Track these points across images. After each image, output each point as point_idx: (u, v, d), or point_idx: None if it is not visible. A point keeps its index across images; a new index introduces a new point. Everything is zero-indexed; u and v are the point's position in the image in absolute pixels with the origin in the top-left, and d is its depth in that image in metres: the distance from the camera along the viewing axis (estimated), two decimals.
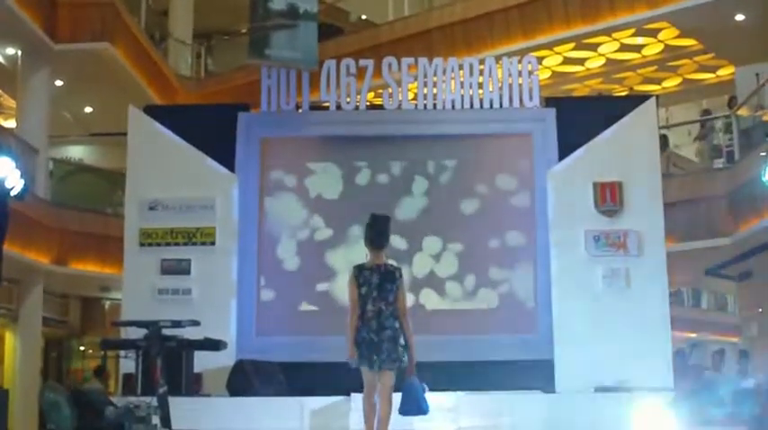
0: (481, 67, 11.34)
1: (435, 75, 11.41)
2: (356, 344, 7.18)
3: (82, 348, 19.30)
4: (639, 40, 17.47)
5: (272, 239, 11.31)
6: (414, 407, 7.44)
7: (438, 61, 11.42)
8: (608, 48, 17.80)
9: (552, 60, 18.19)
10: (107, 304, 18.96)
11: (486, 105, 11.26)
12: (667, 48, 17.86)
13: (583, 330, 10.26)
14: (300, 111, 11.56)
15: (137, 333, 8.31)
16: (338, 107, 11.40)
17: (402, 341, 7.21)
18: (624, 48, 17.82)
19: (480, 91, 11.33)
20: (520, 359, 10.32)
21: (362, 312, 7.20)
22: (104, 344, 10.58)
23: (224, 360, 9.99)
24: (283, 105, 11.37)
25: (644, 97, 11.84)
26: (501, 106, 11.23)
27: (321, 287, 11.16)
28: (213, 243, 10.95)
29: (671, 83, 20.02)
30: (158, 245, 10.96)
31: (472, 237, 11.19)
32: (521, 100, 11.21)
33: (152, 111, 11.84)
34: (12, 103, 17.80)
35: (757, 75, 15.72)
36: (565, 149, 10.96)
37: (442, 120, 11.36)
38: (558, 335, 10.40)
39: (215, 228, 10.97)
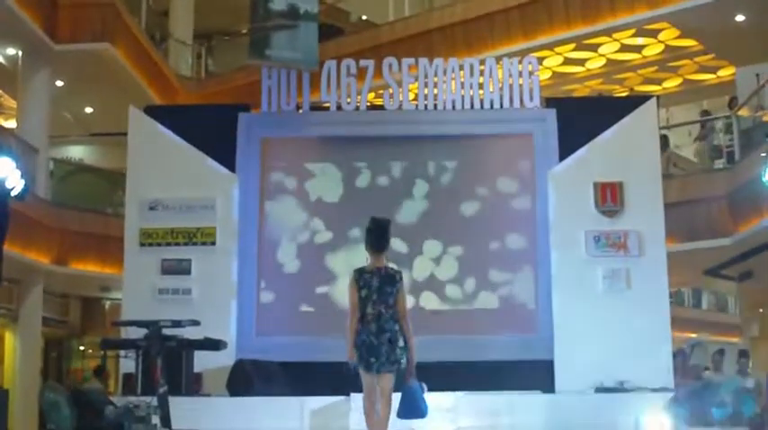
0: (482, 67, 11.35)
1: (436, 75, 11.41)
2: (356, 346, 7.19)
3: (82, 348, 19.30)
4: (640, 41, 17.46)
5: (273, 243, 11.31)
6: (412, 410, 7.45)
7: (438, 62, 11.43)
8: (608, 48, 17.79)
9: (553, 61, 18.19)
10: (107, 304, 18.96)
11: (487, 106, 11.26)
12: (668, 48, 17.86)
13: (583, 330, 10.26)
14: (301, 111, 11.57)
15: (137, 333, 8.32)
16: (339, 107, 11.40)
17: (401, 343, 7.20)
18: (624, 48, 17.82)
19: (481, 91, 11.33)
20: (520, 359, 10.32)
21: (362, 315, 7.20)
22: (104, 344, 10.58)
23: (224, 360, 10.01)
24: (284, 106, 11.37)
25: (644, 98, 11.85)
26: (501, 107, 11.23)
27: (321, 290, 11.16)
28: (213, 243, 10.95)
29: (671, 83, 20.02)
30: (159, 245, 10.96)
31: (472, 239, 11.19)
32: (521, 100, 11.21)
33: (152, 111, 11.84)
34: (12, 103, 17.81)
35: (758, 75, 15.72)
36: (565, 150, 10.96)
37: (442, 121, 11.36)
38: (558, 336, 10.40)
39: (215, 229, 10.98)
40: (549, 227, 10.78)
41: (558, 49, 17.53)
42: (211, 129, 11.27)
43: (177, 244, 10.97)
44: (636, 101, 11.63)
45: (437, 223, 11.25)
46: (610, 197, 10.73)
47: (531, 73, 11.31)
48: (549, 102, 11.80)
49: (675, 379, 10.41)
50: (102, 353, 16.71)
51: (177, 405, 7.95)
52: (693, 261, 15.44)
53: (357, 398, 8.19)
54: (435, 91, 11.39)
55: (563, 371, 10.23)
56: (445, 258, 11.19)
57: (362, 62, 11.44)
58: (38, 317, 15.88)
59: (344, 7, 25.48)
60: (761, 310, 16.35)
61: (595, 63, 18.62)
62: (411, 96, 11.47)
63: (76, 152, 20.49)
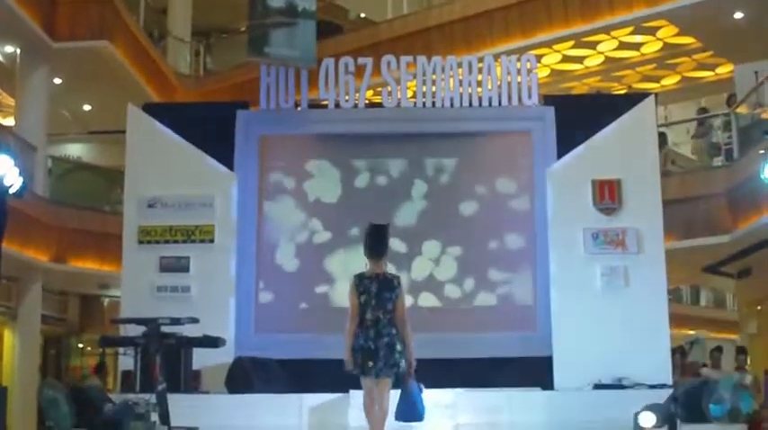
0: (480, 65, 11.35)
1: (434, 73, 11.40)
2: (354, 351, 7.27)
3: (81, 345, 19.33)
4: (638, 39, 17.48)
5: (271, 243, 11.30)
6: (410, 413, 7.60)
7: (437, 59, 11.43)
8: (607, 46, 17.81)
9: (551, 58, 18.20)
10: (106, 301, 18.96)
11: (485, 103, 11.25)
12: (666, 46, 17.88)
13: (581, 328, 10.26)
14: (299, 109, 11.56)
15: (136, 330, 8.33)
16: (337, 105, 11.39)
17: (399, 347, 7.29)
18: (623, 46, 17.84)
19: (479, 89, 11.33)
20: (519, 356, 10.33)
21: (361, 320, 7.30)
22: (103, 342, 10.61)
23: (223, 357, 10.01)
24: (282, 103, 11.37)
25: (643, 95, 11.84)
26: (500, 104, 11.22)
27: (320, 290, 11.16)
28: (212, 241, 10.94)
29: (670, 81, 20.04)
30: (157, 242, 10.95)
31: (471, 239, 11.19)
32: (520, 98, 11.21)
33: (151, 109, 11.84)
34: (10, 101, 17.80)
35: (756, 73, 15.73)
36: (564, 147, 10.95)
37: (440, 119, 11.36)
38: (556, 333, 10.40)
39: (214, 226, 10.96)
40: (548, 224, 10.77)
41: (556, 47, 17.55)
42: (210, 127, 11.26)
43: (176, 241, 10.95)
44: (634, 98, 11.62)
45: (436, 223, 11.24)
46: (608, 194, 10.73)
47: (529, 70, 11.31)
48: (547, 99, 11.79)
49: (674, 376, 10.43)
50: (101, 350, 16.73)
51: (176, 402, 7.96)
52: (692, 258, 15.46)
53: (356, 395, 8.22)
54: (434, 88, 11.38)
55: (562, 367, 10.22)
56: (444, 258, 11.19)
57: (361, 60, 11.43)
58: (37, 314, 15.90)
59: (343, 5, 25.51)
60: (759, 307, 16.37)
61: (594, 61, 18.63)
62: (409, 94, 11.47)
63: (75, 150, 20.49)
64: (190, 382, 9.77)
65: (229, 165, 11.19)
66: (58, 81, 16.68)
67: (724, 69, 18.62)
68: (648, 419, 7.84)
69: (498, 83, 11.27)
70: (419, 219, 11.26)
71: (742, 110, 15.58)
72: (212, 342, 8.91)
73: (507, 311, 11.01)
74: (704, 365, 14.02)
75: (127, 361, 9.91)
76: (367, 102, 11.98)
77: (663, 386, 9.56)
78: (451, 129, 11.39)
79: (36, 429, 12.47)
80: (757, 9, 14.91)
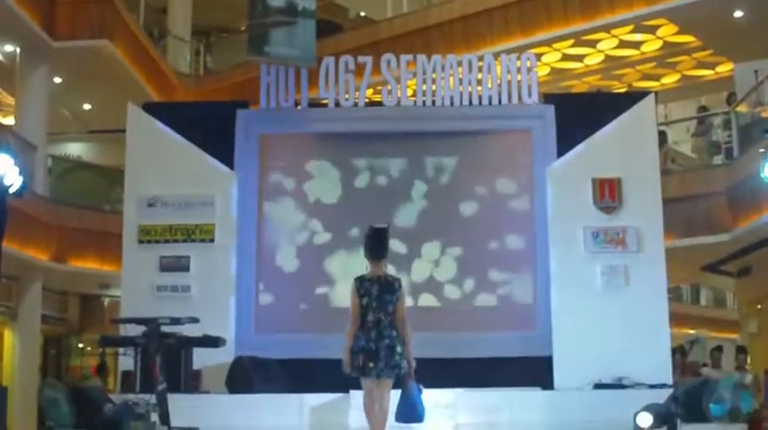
0: (480, 63, 11.34)
1: (434, 71, 11.40)
2: (354, 352, 7.31)
3: (81, 345, 19.32)
4: (638, 37, 17.48)
5: (271, 244, 11.30)
6: (410, 414, 7.69)
7: (437, 58, 11.42)
8: (607, 44, 17.81)
9: (551, 57, 18.20)
10: (106, 301, 18.96)
11: (485, 102, 11.24)
12: (666, 44, 17.87)
13: (581, 327, 10.25)
14: (299, 108, 11.56)
15: (136, 330, 8.33)
16: (337, 104, 11.38)
17: (399, 349, 7.34)
18: (623, 44, 17.83)
19: (479, 88, 11.32)
20: (518, 356, 10.32)
21: (363, 322, 7.36)
22: (103, 341, 10.61)
23: (223, 357, 10.01)
24: (282, 102, 11.36)
25: (643, 94, 11.84)
26: (500, 103, 11.21)
27: (320, 290, 11.16)
28: (212, 240, 10.94)
29: (670, 79, 20.03)
30: (157, 242, 10.94)
31: (471, 239, 11.18)
32: (519, 97, 11.20)
33: (151, 108, 11.83)
34: (10, 100, 17.80)
35: (756, 71, 15.72)
36: (564, 146, 10.95)
37: (440, 117, 11.35)
38: (556, 332, 10.39)
39: (214, 226, 10.96)
40: (548, 223, 10.77)
41: (556, 46, 17.54)
42: (210, 126, 11.25)
43: (176, 241, 10.95)
44: (634, 97, 11.62)
45: (436, 224, 11.23)
46: (608, 193, 10.72)
47: (529, 69, 11.30)
48: (547, 98, 11.78)
49: (674, 375, 10.43)
50: (101, 350, 16.73)
51: (176, 402, 7.97)
52: (692, 257, 15.46)
53: (356, 395, 8.22)
54: (434, 87, 11.37)
55: (562, 367, 10.22)
56: (444, 259, 11.17)
57: (361, 59, 11.43)
58: (37, 314, 15.89)
59: (343, 4, 25.48)
60: (759, 306, 16.36)
61: (594, 59, 18.63)
62: (409, 93, 11.47)
63: (75, 149, 20.48)
64: (190, 382, 9.77)
65: (229, 165, 11.19)
66: (57, 80, 16.67)
67: (724, 68, 18.62)
68: (645, 419, 7.85)
69: (498, 81, 11.26)
70: (419, 219, 11.25)
71: (742, 108, 15.57)
72: (212, 342, 8.92)
73: (507, 311, 11.00)
74: (704, 365, 14.02)
75: (127, 361, 9.90)
76: (367, 100, 11.99)
77: (663, 385, 9.55)
78: (451, 127, 11.38)
79: (36, 429, 12.47)
80: (757, 7, 14.90)
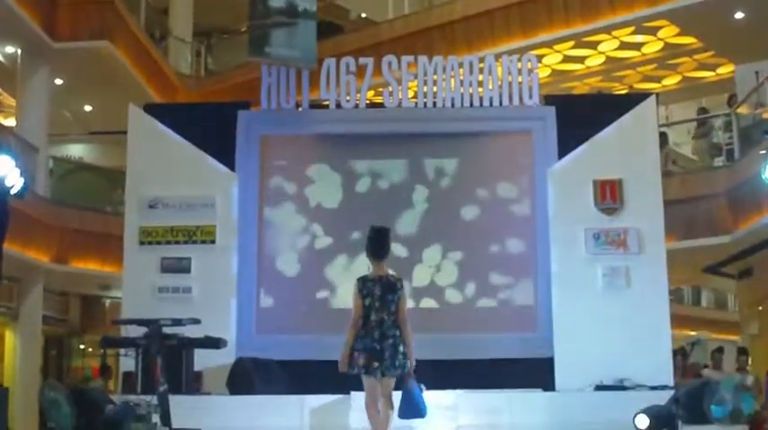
0: (481, 65, 11.33)
1: (435, 73, 11.38)
2: (358, 351, 7.33)
3: (82, 346, 19.34)
4: (639, 38, 17.47)
5: (272, 249, 11.29)
6: (413, 410, 7.67)
7: (438, 59, 11.41)
8: (608, 46, 17.80)
9: (552, 58, 18.20)
10: (107, 302, 18.98)
11: (486, 103, 11.23)
12: (667, 46, 17.87)
13: (583, 328, 10.25)
14: (300, 109, 11.56)
15: (137, 331, 8.33)
16: (338, 105, 11.38)
17: (402, 349, 7.39)
18: (624, 46, 17.83)
19: (480, 89, 11.31)
20: (520, 357, 10.32)
21: (365, 322, 7.39)
22: (104, 343, 10.59)
23: (224, 358, 10.00)
24: (283, 103, 11.36)
25: (644, 95, 11.83)
26: (501, 104, 11.20)
27: (321, 295, 11.15)
28: (213, 241, 10.94)
29: (671, 81, 20.03)
30: (158, 243, 10.94)
31: (472, 243, 11.16)
32: (520, 98, 11.19)
33: (152, 109, 11.83)
34: (12, 101, 17.82)
35: (757, 73, 15.74)
36: (565, 147, 10.95)
37: (441, 119, 11.34)
38: (557, 334, 10.40)
39: (215, 227, 10.96)
40: (549, 225, 10.77)
41: (557, 47, 17.54)
42: (211, 127, 11.26)
43: (177, 242, 10.95)
44: (635, 98, 11.62)
45: (437, 228, 11.21)
46: (609, 195, 10.72)
47: (530, 70, 11.29)
48: (548, 99, 11.78)
49: (675, 377, 10.42)
50: (103, 351, 16.75)
51: (177, 403, 7.96)
52: (693, 258, 15.47)
53: (357, 397, 8.22)
54: (435, 89, 11.38)
55: (563, 368, 10.22)
56: (445, 263, 11.16)
57: (362, 60, 11.43)
58: (38, 315, 15.90)
59: (344, 5, 25.51)
60: (760, 308, 16.36)
61: (595, 60, 18.63)
62: (410, 94, 11.46)
63: (76, 150, 20.50)
64: (191, 383, 9.76)
65: (230, 166, 11.18)
66: (59, 81, 16.69)
67: (725, 69, 18.62)
68: (643, 421, 7.87)
69: (499, 83, 11.25)
70: (420, 223, 11.24)
71: (743, 110, 15.58)
72: (214, 343, 8.90)
73: (508, 312, 10.99)
74: (705, 366, 14.03)
75: (128, 362, 9.91)
76: (368, 102, 11.99)
77: (664, 387, 9.54)
78: (452, 129, 11.38)
79: None
80: (758, 9, 14.90)
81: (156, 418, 7.70)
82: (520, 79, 11.23)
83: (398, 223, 11.00)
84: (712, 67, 19.05)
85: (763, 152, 12.20)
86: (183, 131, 11.13)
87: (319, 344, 10.11)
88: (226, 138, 11.23)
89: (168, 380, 7.83)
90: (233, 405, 9.45)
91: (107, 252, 15.48)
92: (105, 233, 15.46)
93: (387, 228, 7.81)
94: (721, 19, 15.33)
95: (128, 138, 11.41)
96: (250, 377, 9.89)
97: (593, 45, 17.69)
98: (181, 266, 10.87)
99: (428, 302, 11.04)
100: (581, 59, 18.55)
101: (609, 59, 18.58)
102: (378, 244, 7.58)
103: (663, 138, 14.32)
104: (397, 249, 10.37)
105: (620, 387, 9.78)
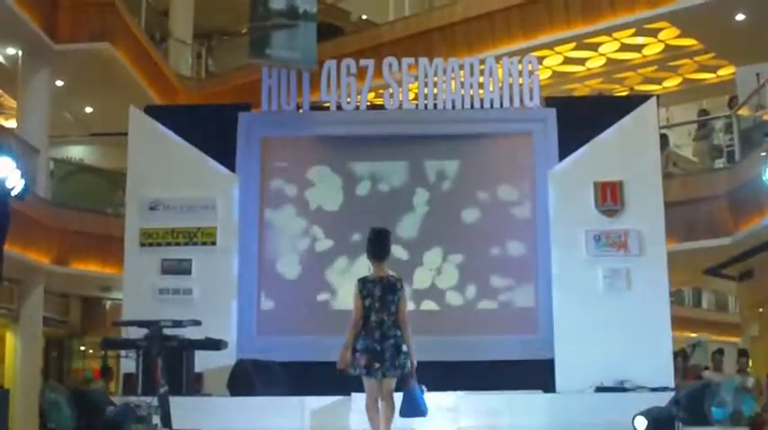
0: (482, 66, 11.34)
1: (436, 75, 11.40)
2: (359, 352, 7.34)
3: (82, 348, 19.33)
4: (640, 40, 17.47)
5: (273, 252, 11.29)
6: (414, 409, 7.66)
7: (438, 61, 11.42)
8: (608, 47, 17.80)
9: (553, 60, 18.20)
10: (108, 304, 18.98)
11: (487, 105, 11.24)
12: (668, 47, 17.87)
13: (583, 330, 10.26)
14: (301, 111, 11.56)
15: (137, 332, 8.33)
16: (339, 107, 11.40)
17: (404, 349, 7.40)
18: (625, 47, 17.83)
19: (481, 91, 11.32)
20: (520, 359, 10.32)
21: (366, 323, 7.40)
22: (105, 344, 10.57)
23: (225, 359, 10.00)
24: (284, 105, 11.37)
25: (644, 97, 11.83)
26: (501, 106, 11.22)
27: (321, 297, 11.16)
28: (214, 243, 10.95)
29: (671, 83, 20.03)
30: (159, 245, 10.96)
31: (473, 246, 11.17)
32: (521, 100, 11.20)
33: (153, 111, 11.84)
34: (12, 103, 17.82)
35: (758, 74, 15.72)
36: (565, 149, 10.96)
37: (442, 120, 11.35)
38: (558, 335, 10.40)
39: (216, 228, 10.97)
40: (550, 227, 10.77)
41: (558, 49, 17.54)
42: (211, 129, 11.27)
43: (178, 244, 10.96)
44: (636, 100, 11.63)
45: (438, 231, 11.22)
46: (610, 196, 10.73)
47: (531, 72, 11.30)
48: (548, 101, 11.79)
49: (676, 379, 10.42)
50: (103, 353, 16.73)
51: (178, 405, 7.96)
52: (694, 260, 15.47)
53: (358, 398, 8.22)
54: (435, 90, 11.38)
55: (563, 370, 10.23)
56: (445, 266, 11.16)
57: (362, 62, 11.44)
58: (38, 316, 15.89)
59: (345, 7, 25.51)
60: (761, 310, 16.35)
61: (595, 62, 18.63)
62: (411, 96, 11.47)
63: (77, 152, 20.50)
64: (192, 385, 9.77)
65: (231, 168, 11.20)
66: (59, 83, 16.68)
67: (725, 71, 18.61)
68: (641, 423, 7.88)
69: (500, 84, 11.26)
70: (421, 226, 11.24)
71: (743, 112, 15.57)
72: (214, 344, 8.90)
73: (509, 314, 11.00)
74: (706, 368, 14.01)
75: (129, 363, 9.90)
76: (369, 104, 11.99)
77: (665, 389, 9.55)
78: (453, 131, 11.39)
79: None
80: (759, 11, 14.90)
81: (156, 420, 7.70)
82: (520, 81, 11.24)
83: (399, 226, 11.01)
84: (713, 69, 19.04)
85: (764, 154, 12.19)
86: (183, 133, 11.15)
87: (320, 346, 10.10)
88: (226, 139, 11.24)
89: (169, 382, 7.83)
90: (233, 406, 9.46)
91: (108, 253, 15.47)
92: (106, 235, 15.45)
93: (387, 230, 7.84)
94: (722, 21, 15.33)
95: (128, 140, 11.43)
96: (251, 378, 9.89)
97: (594, 47, 17.69)
98: (181, 268, 10.88)
99: (429, 305, 11.04)
100: (582, 61, 18.54)
101: (610, 61, 18.58)
102: (378, 245, 7.61)
103: (663, 139, 14.33)
104: (398, 252, 10.39)
105: (620, 388, 9.79)
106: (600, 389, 9.85)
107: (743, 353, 14.25)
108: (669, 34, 17.00)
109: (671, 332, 10.51)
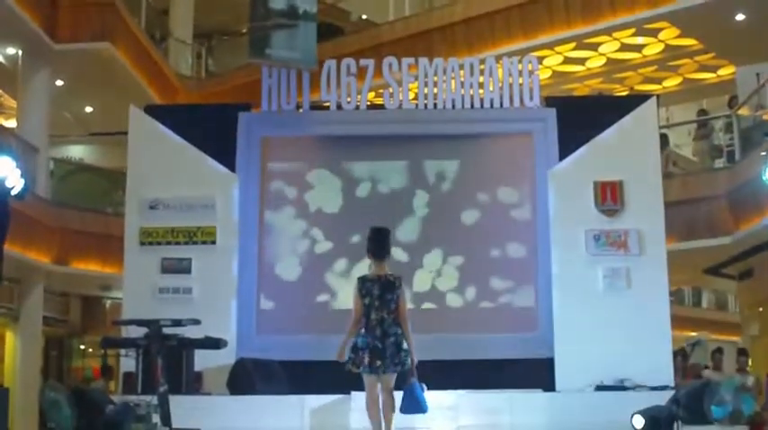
0: (482, 66, 11.35)
1: (436, 74, 11.41)
2: (360, 349, 7.39)
3: (82, 347, 19.32)
4: (640, 40, 17.46)
5: (272, 254, 11.31)
6: (414, 406, 7.70)
7: (438, 61, 11.43)
8: (608, 47, 17.79)
9: (553, 60, 18.19)
10: (108, 303, 18.97)
11: (487, 105, 11.26)
12: (668, 47, 17.86)
13: (583, 329, 10.27)
14: (301, 110, 11.57)
15: (137, 331, 8.33)
16: (339, 107, 11.41)
17: (405, 346, 7.46)
18: (625, 47, 17.82)
19: (481, 91, 11.33)
20: (520, 357, 10.33)
21: (366, 321, 7.46)
22: (105, 343, 10.60)
23: (224, 358, 10.02)
24: (284, 105, 11.38)
25: (644, 97, 11.85)
26: (501, 106, 11.23)
27: (321, 298, 11.17)
28: (214, 242, 10.96)
29: (671, 82, 20.02)
30: (159, 244, 10.97)
31: (473, 248, 11.18)
32: (521, 100, 11.22)
33: (153, 110, 11.85)
34: (12, 102, 17.81)
35: (758, 74, 15.72)
36: (565, 149, 10.97)
37: (442, 120, 11.36)
38: (558, 334, 10.41)
39: (216, 228, 10.98)
40: (550, 226, 10.78)
41: (558, 49, 17.53)
42: (212, 129, 11.28)
43: (177, 243, 10.98)
44: (636, 100, 11.65)
45: (438, 233, 11.23)
46: (610, 196, 10.74)
47: (531, 72, 11.31)
48: (549, 101, 11.80)
49: (675, 378, 10.43)
50: (103, 352, 16.74)
51: (178, 404, 7.96)
52: (693, 260, 15.46)
53: (357, 397, 8.23)
54: (435, 90, 11.39)
55: (563, 369, 10.24)
56: (446, 268, 11.17)
57: (362, 61, 11.45)
58: (38, 316, 15.89)
59: (345, 7, 25.51)
60: (761, 309, 16.35)
61: (595, 62, 18.62)
62: (411, 96, 11.48)
63: (77, 151, 20.50)
64: (191, 384, 9.78)
65: (231, 167, 11.21)
66: (59, 83, 16.68)
67: (726, 71, 18.60)
68: (639, 421, 7.89)
69: (500, 84, 11.27)
70: (421, 229, 11.25)
71: (743, 111, 15.57)
72: (214, 343, 8.89)
73: (509, 313, 11.01)
74: (706, 367, 14.01)
75: (128, 362, 9.92)
76: (369, 103, 12.00)
77: (664, 388, 9.56)
78: (453, 130, 11.40)
79: None
80: (759, 10, 14.89)
81: (156, 419, 7.70)
82: (520, 81, 11.25)
83: (399, 228, 10.99)
84: (713, 69, 19.04)
85: (764, 154, 12.18)
86: (183, 133, 11.16)
87: (320, 345, 10.08)
88: (226, 139, 11.25)
89: (168, 381, 7.83)
90: (233, 405, 9.47)
91: (108, 253, 15.47)
92: (106, 234, 15.45)
93: (387, 229, 7.90)
94: (722, 21, 15.32)
95: (128, 140, 11.44)
96: (250, 377, 9.90)
97: (594, 47, 17.68)
98: (181, 267, 10.89)
99: (429, 307, 11.04)
100: (582, 61, 18.54)
101: (610, 61, 18.57)
102: (378, 244, 7.67)
103: (663, 139, 14.32)
104: (398, 254, 10.39)
105: (620, 387, 9.81)
106: (600, 388, 9.86)
107: (742, 353, 14.24)
108: (669, 34, 17.00)
109: (671, 331, 10.53)
